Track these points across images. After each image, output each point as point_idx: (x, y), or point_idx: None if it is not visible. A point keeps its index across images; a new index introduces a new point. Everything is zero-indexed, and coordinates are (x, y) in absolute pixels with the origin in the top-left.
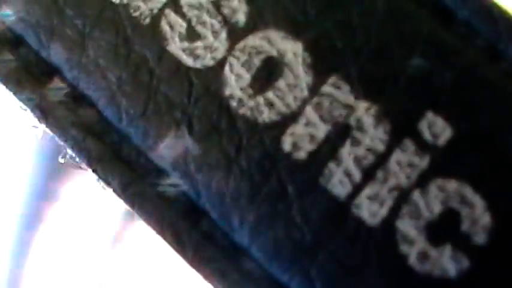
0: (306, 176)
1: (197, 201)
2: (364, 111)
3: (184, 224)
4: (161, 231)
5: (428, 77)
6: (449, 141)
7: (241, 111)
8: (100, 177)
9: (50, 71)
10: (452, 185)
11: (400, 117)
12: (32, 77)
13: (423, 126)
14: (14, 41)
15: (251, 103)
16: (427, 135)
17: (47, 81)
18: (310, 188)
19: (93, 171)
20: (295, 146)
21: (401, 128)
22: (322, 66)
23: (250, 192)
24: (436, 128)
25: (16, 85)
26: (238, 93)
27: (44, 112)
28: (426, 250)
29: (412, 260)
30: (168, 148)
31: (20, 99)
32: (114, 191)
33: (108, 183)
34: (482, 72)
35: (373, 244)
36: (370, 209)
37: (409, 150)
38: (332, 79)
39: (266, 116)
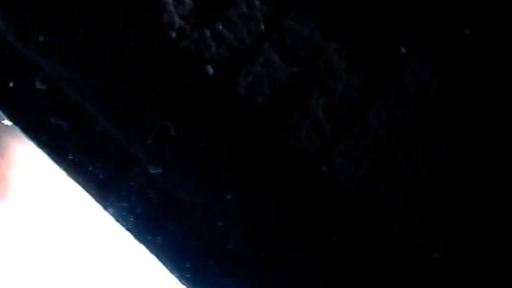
0: (264, 125)
1: None
2: (334, 54)
3: None
4: None
5: (414, 16)
6: (437, 92)
7: (183, 44)
8: None
9: None
10: (442, 146)
11: (379, 62)
12: None
13: (406, 75)
14: None
15: (195, 35)
16: (410, 85)
17: None
18: (270, 140)
19: None
20: (251, 89)
21: (380, 76)
22: None
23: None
24: (422, 77)
25: None
26: (178, 22)
27: None
28: (412, 222)
29: (397, 232)
30: None
31: None
32: None
33: None
34: None
35: (349, 209)
36: (344, 169)
37: (389, 102)
38: (294, 12)
39: (214, 51)
